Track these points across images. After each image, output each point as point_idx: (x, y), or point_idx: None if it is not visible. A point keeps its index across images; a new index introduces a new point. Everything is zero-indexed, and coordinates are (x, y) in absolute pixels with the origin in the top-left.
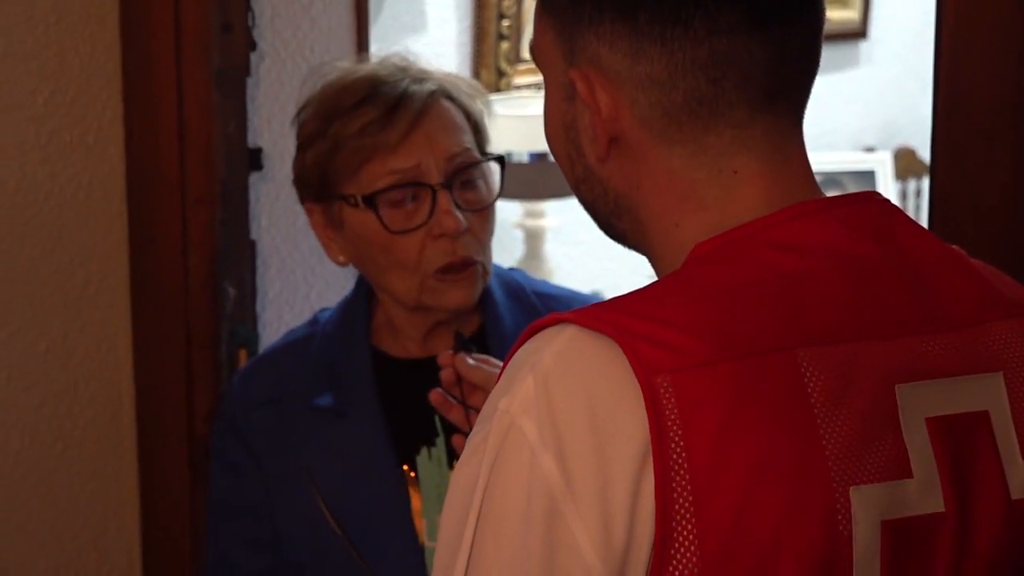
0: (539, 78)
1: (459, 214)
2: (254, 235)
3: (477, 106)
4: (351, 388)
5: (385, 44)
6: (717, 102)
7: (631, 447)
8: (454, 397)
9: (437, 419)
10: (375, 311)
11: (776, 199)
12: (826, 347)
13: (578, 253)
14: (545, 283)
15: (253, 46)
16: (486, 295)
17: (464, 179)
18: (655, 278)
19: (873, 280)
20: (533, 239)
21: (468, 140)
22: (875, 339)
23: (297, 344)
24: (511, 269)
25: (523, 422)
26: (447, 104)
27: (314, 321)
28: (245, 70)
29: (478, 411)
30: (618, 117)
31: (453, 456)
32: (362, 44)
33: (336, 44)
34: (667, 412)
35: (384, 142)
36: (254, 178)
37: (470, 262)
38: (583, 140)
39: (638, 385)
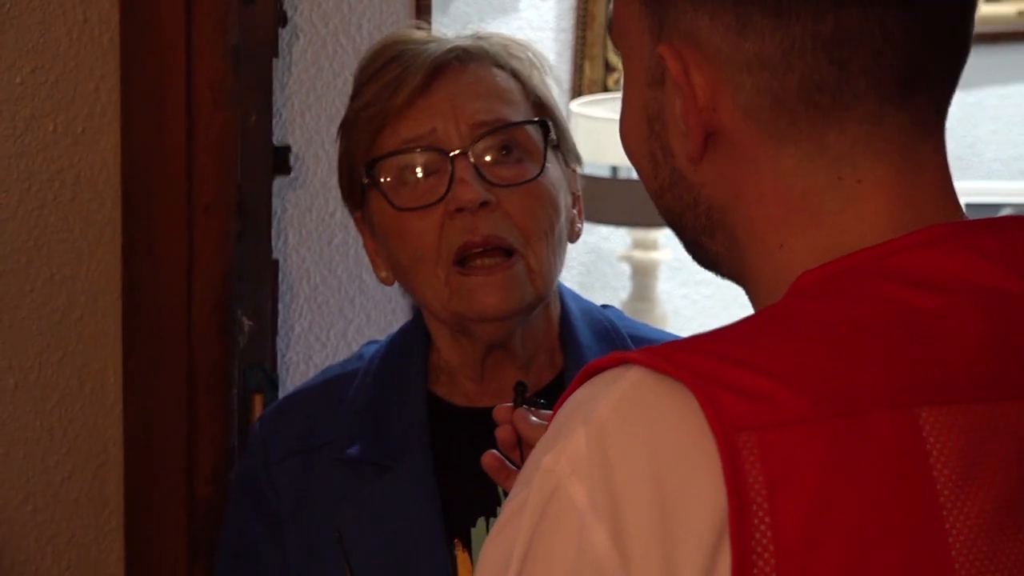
0: None
1: (479, 185)
2: (278, 254)
3: (538, 77)
4: (399, 438)
5: (460, 27)
6: (841, 91)
7: (704, 521)
8: (513, 462)
9: None
10: (432, 351)
11: (904, 219)
12: (956, 406)
13: (701, 296)
14: (646, 326)
15: (284, 20)
16: (568, 334)
17: (498, 149)
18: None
19: (1018, 325)
20: (643, 276)
21: (515, 113)
22: (1018, 399)
23: (335, 383)
24: (604, 306)
25: (571, 485)
26: (492, 70)
27: (359, 357)
28: (272, 49)
29: None
30: (717, 106)
31: None
32: (424, 20)
33: (391, 21)
34: (750, 479)
35: (392, 106)
36: (280, 183)
37: (499, 243)
38: (671, 136)
39: (715, 443)
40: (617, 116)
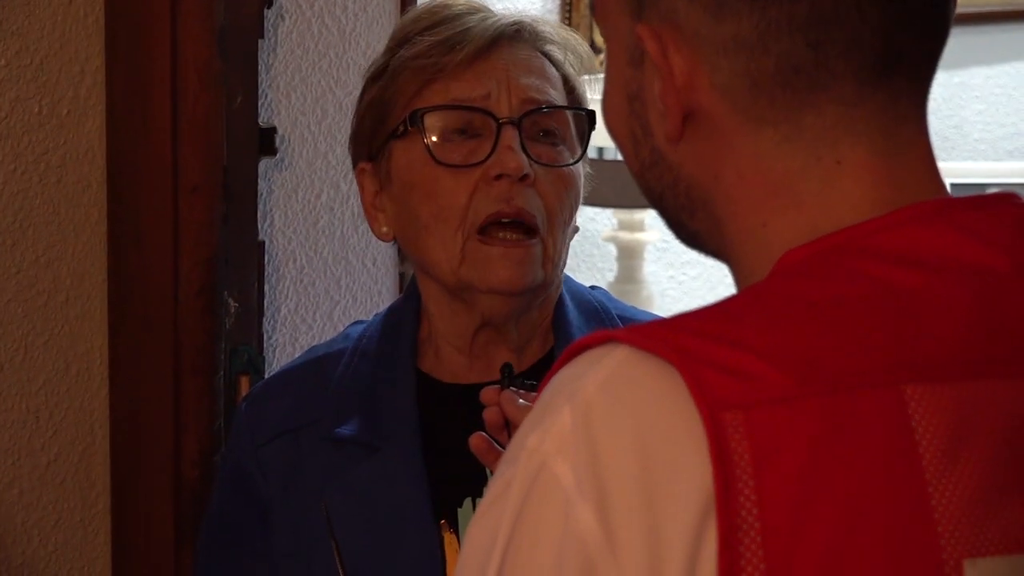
0: None
1: (524, 156)
2: (264, 235)
3: (584, 81)
4: (387, 418)
5: None
6: (817, 72)
7: (690, 499)
8: (500, 443)
9: None
10: (421, 324)
11: (886, 198)
12: (941, 384)
13: (687, 277)
14: (635, 308)
15: (269, 2)
16: (558, 315)
17: (542, 129)
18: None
19: (1004, 303)
20: (628, 257)
21: (557, 98)
22: (1004, 377)
23: (321, 362)
24: (592, 287)
25: (556, 464)
26: (540, 56)
27: (344, 336)
28: (258, 31)
29: None
30: (695, 87)
31: None
32: (409, 4)
33: (376, 3)
34: (736, 457)
35: (449, 63)
36: (266, 165)
37: (527, 219)
38: (651, 115)
39: (701, 422)
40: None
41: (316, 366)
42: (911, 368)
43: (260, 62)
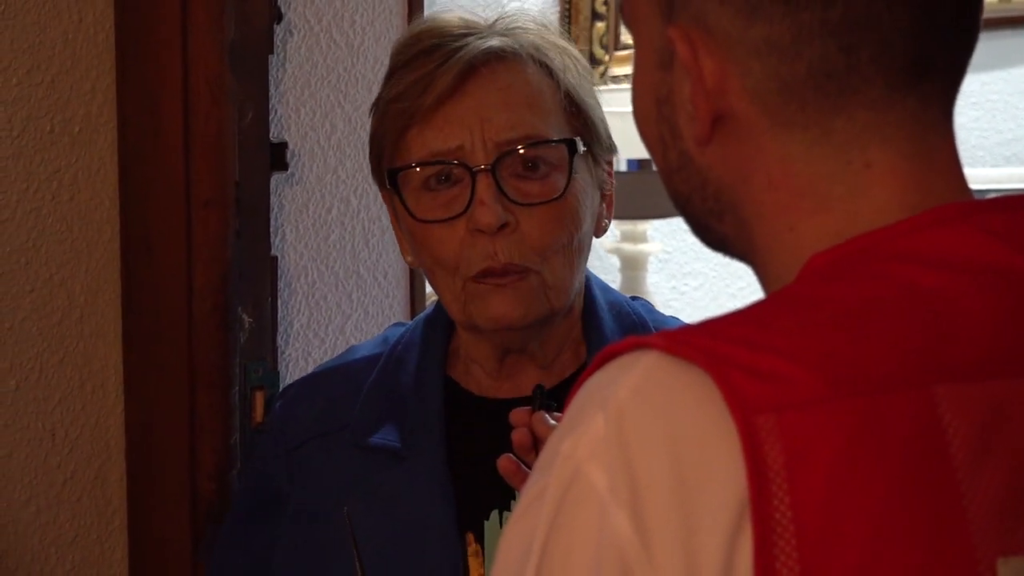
0: None
1: (499, 207)
2: (276, 250)
3: (572, 73)
4: (415, 427)
5: None
6: (849, 77)
7: (724, 502)
8: (528, 465)
9: None
10: (454, 334)
11: (914, 202)
12: (970, 384)
13: (690, 287)
14: (674, 319)
15: (279, 17)
16: (592, 327)
17: (523, 165)
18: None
19: None
20: (632, 268)
21: (544, 122)
22: None
23: (358, 366)
24: (634, 298)
25: (591, 470)
26: (524, 69)
27: (383, 340)
28: (268, 46)
29: None
30: (725, 90)
31: None
32: (416, 15)
33: (383, 17)
34: (770, 460)
35: (421, 105)
36: (277, 180)
37: (516, 269)
38: (680, 118)
39: (734, 425)
40: (604, 109)
41: (352, 370)
42: (940, 369)
43: (270, 77)
